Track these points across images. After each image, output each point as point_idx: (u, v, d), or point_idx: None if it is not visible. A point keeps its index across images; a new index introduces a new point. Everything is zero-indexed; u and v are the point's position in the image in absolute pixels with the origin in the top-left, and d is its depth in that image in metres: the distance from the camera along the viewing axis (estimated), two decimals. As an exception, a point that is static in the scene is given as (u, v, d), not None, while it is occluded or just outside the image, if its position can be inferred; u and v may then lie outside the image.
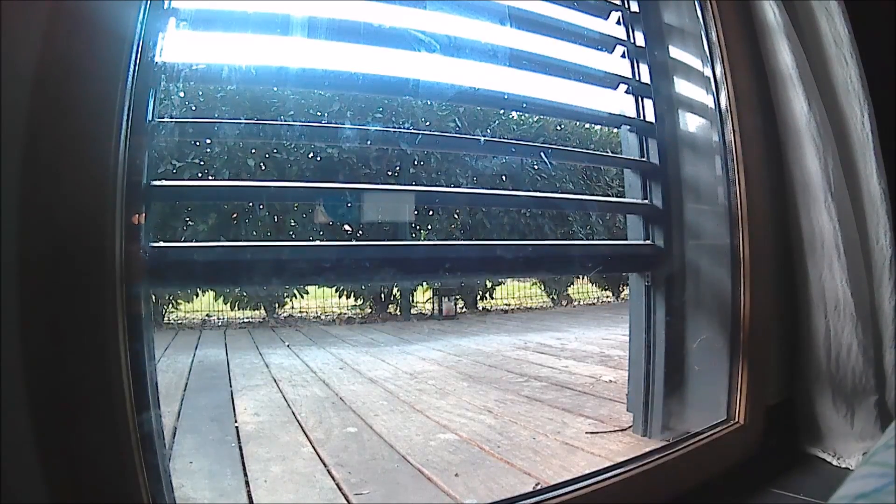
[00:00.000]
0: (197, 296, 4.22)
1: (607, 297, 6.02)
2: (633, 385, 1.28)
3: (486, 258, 1.04)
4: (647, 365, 1.20)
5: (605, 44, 1.21)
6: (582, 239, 5.33)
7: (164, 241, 0.72)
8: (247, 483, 1.17)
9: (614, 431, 1.41)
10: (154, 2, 0.63)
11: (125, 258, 0.56)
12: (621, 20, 1.23)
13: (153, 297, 3.58)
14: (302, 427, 1.60)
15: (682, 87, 1.22)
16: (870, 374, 1.12)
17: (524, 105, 1.22)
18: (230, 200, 3.29)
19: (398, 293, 4.78)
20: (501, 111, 4.83)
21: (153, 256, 0.68)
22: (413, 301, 4.89)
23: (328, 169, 4.22)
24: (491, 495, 1.09)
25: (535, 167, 5.15)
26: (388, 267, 0.88)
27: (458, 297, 4.94)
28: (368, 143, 4.26)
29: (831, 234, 1.12)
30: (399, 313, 4.72)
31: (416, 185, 4.57)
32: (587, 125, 5.15)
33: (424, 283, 4.50)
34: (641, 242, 1.23)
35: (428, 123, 4.48)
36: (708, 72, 1.17)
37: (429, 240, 4.67)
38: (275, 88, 3.81)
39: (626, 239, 1.30)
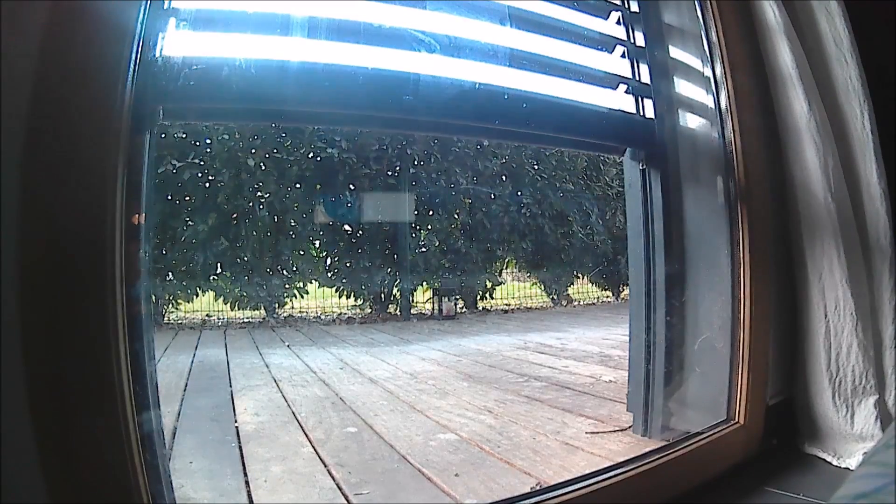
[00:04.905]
0: (197, 295, 4.22)
1: (607, 297, 6.01)
2: (633, 385, 1.28)
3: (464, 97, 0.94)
4: (647, 365, 1.20)
5: (605, 44, 1.21)
6: (583, 240, 5.34)
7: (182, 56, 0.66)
8: (247, 483, 1.17)
9: (614, 431, 1.41)
10: (154, 1, 0.63)
11: (125, 258, 0.56)
12: (621, 20, 1.23)
13: (153, 298, 3.58)
14: (302, 427, 1.60)
15: (682, 87, 1.22)
16: (870, 374, 1.12)
17: (524, 105, 1.22)
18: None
19: (398, 293, 4.78)
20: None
21: (170, 71, 0.65)
22: (413, 301, 4.89)
23: (328, 169, 4.22)
24: (491, 495, 1.09)
25: (536, 167, 5.16)
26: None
27: (458, 297, 4.93)
28: (374, 145, 4.27)
29: (831, 234, 1.12)
30: (399, 313, 4.72)
31: (415, 184, 4.58)
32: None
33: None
34: (633, 112, 1.20)
35: (428, 123, 4.47)
36: (708, 72, 1.17)
37: (429, 240, 4.67)
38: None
39: (626, 235, 1.30)
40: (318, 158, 4.23)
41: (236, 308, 4.34)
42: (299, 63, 0.81)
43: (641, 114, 1.21)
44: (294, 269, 4.47)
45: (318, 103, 0.84)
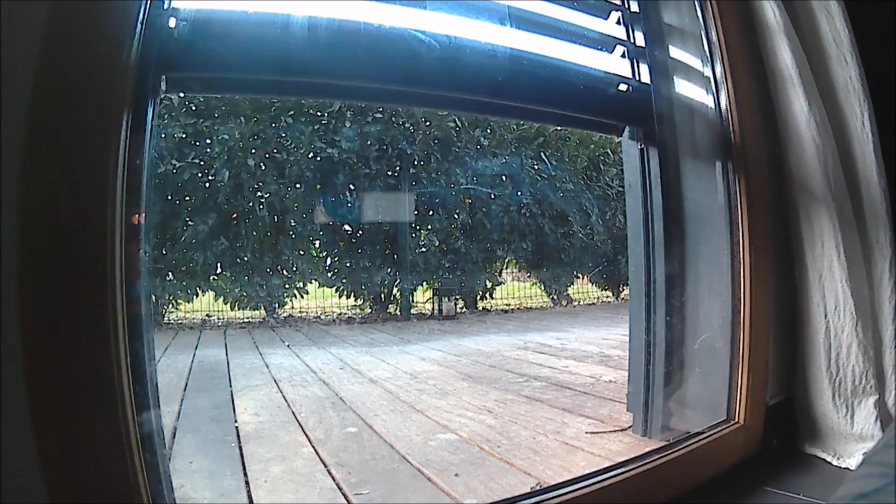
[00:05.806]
0: (197, 295, 4.22)
1: (607, 297, 6.01)
2: (633, 385, 1.28)
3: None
4: (647, 365, 1.20)
5: (605, 44, 1.21)
6: (583, 240, 5.34)
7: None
8: (247, 483, 1.17)
9: (614, 431, 1.41)
10: (154, 2, 0.63)
11: (125, 258, 0.56)
12: (621, 20, 1.23)
13: (153, 298, 3.58)
14: (302, 427, 1.60)
15: (682, 87, 1.22)
16: (870, 374, 1.12)
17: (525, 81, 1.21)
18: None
19: (398, 293, 4.78)
20: (501, 111, 4.81)
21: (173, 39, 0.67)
22: (413, 301, 4.88)
23: (328, 169, 4.22)
24: (491, 495, 1.09)
25: (536, 167, 5.15)
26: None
27: (458, 297, 4.93)
28: (374, 145, 4.26)
29: (831, 234, 1.12)
30: (399, 313, 4.72)
31: (415, 184, 4.58)
32: (587, 125, 5.13)
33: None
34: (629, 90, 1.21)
35: (427, 123, 4.48)
36: (708, 72, 1.17)
37: (429, 240, 4.68)
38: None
39: (626, 235, 1.29)
40: (318, 158, 4.23)
41: (236, 308, 4.34)
42: (304, 34, 0.82)
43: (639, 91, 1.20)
44: (294, 269, 4.47)
45: (324, 74, 0.85)
